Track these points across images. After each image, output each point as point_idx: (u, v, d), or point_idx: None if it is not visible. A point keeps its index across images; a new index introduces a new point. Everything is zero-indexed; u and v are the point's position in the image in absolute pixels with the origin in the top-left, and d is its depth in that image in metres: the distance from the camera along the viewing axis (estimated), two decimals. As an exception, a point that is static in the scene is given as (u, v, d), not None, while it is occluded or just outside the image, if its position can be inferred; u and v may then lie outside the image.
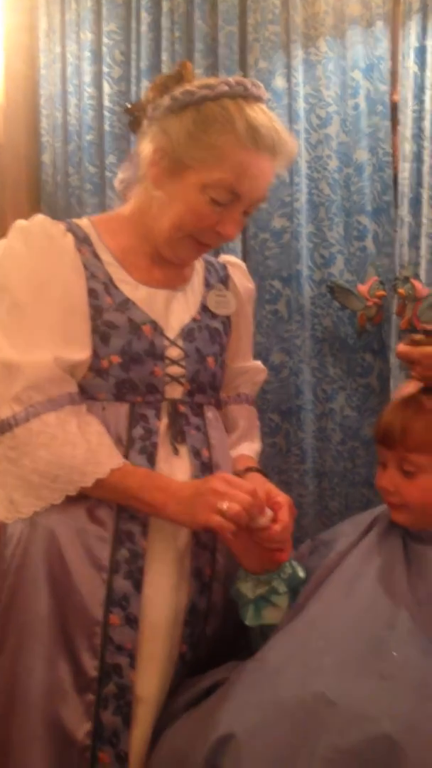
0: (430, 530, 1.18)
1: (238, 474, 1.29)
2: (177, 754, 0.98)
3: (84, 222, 1.26)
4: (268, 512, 1.14)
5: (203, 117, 1.15)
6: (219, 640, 1.26)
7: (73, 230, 1.22)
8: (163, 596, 1.18)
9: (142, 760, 1.10)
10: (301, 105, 2.04)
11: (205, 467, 1.24)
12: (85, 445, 1.13)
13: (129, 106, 1.32)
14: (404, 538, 1.18)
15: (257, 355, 1.53)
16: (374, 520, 1.25)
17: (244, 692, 0.98)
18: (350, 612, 1.06)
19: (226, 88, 1.16)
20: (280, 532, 1.14)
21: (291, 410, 2.08)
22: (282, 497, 1.19)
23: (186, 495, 1.13)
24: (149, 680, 1.15)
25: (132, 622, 1.15)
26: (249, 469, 1.31)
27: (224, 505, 1.07)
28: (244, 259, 2.07)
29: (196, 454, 1.24)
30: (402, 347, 1.20)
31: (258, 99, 1.19)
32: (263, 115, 1.17)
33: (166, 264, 1.27)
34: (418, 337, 1.19)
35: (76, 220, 1.26)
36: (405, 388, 1.26)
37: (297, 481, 2.08)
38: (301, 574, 1.23)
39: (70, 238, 1.20)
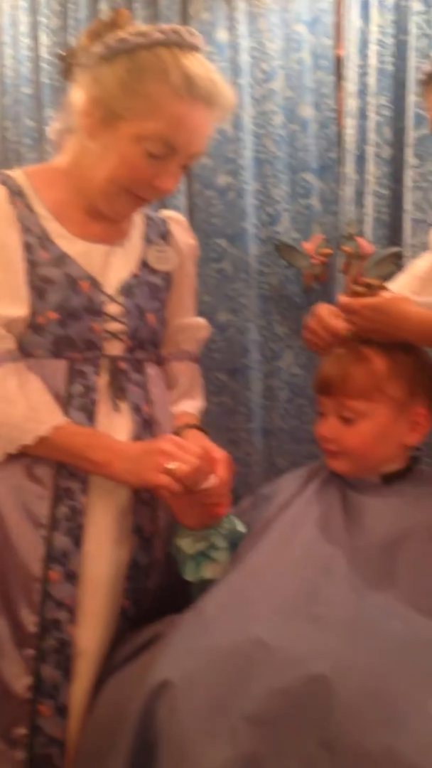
0: (366, 479, 1.20)
1: (177, 430, 1.29)
2: (115, 705, 0.99)
3: (18, 174, 1.22)
4: (213, 477, 1.15)
5: (136, 66, 1.12)
6: (161, 594, 1.27)
7: (6, 183, 1.19)
8: (104, 552, 1.18)
9: (83, 713, 1.12)
10: (244, 58, 2.00)
11: (146, 424, 1.24)
12: (24, 403, 1.12)
13: (62, 53, 1.27)
14: (342, 488, 1.20)
15: (203, 314, 1.52)
16: (314, 473, 1.26)
17: (182, 641, 1.00)
18: (288, 560, 1.08)
19: (160, 36, 1.12)
20: (218, 488, 1.15)
21: (238, 369, 2.08)
22: (219, 453, 1.20)
23: (132, 454, 1.14)
24: (90, 634, 1.16)
25: (72, 578, 1.15)
26: (188, 426, 1.30)
27: (173, 465, 1.08)
28: (189, 216, 2.04)
29: (136, 410, 1.23)
30: (343, 298, 1.22)
31: (194, 48, 1.16)
32: (199, 65, 1.14)
33: (104, 218, 1.24)
34: (360, 289, 1.21)
35: (9, 172, 1.22)
36: None
37: (244, 439, 2.09)
38: (241, 528, 1.24)
39: (2, 190, 1.17)
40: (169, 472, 1.09)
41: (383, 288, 1.22)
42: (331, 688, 0.86)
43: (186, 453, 1.11)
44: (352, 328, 1.21)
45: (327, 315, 1.27)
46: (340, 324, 1.24)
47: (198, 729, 0.89)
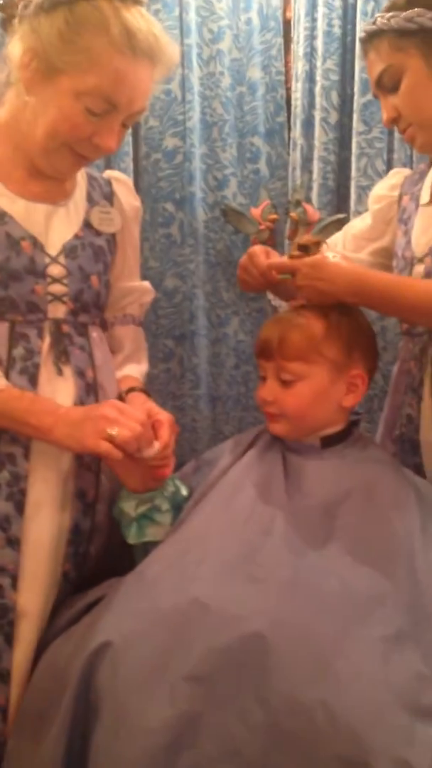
0: (306, 442, 1.21)
1: (122, 394, 1.28)
2: (56, 667, 1.00)
3: None
4: (156, 444, 1.15)
5: (76, 18, 1.08)
6: (103, 559, 1.28)
7: None
8: (45, 517, 1.18)
9: (25, 677, 1.11)
10: (192, 17, 1.95)
11: (89, 388, 1.23)
12: None
13: (1, 3, 1.22)
14: (283, 452, 1.21)
15: (150, 280, 1.50)
16: (256, 437, 1.28)
17: (123, 603, 1.00)
18: (228, 522, 1.09)
19: None
20: (161, 450, 1.15)
21: (185, 335, 2.07)
22: (163, 415, 1.20)
23: (74, 419, 1.12)
24: (32, 599, 1.15)
25: (14, 543, 1.14)
26: (132, 389, 1.30)
27: (114, 431, 1.07)
28: (136, 180, 2.01)
29: (80, 374, 1.21)
30: (281, 261, 1.26)
31: (136, 2, 1.12)
32: (141, 19, 1.11)
33: (45, 177, 1.21)
34: (296, 252, 1.22)
35: None
36: None
37: (191, 406, 2.08)
38: (184, 491, 1.25)
39: None
40: (109, 438, 1.08)
41: (319, 246, 1.24)
42: (268, 645, 0.88)
43: (128, 418, 1.10)
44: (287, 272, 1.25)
45: (260, 254, 1.28)
46: (273, 263, 1.27)
47: (137, 689, 0.90)
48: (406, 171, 1.52)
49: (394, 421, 1.39)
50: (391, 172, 1.61)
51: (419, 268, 1.30)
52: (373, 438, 1.32)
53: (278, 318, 1.24)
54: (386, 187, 1.51)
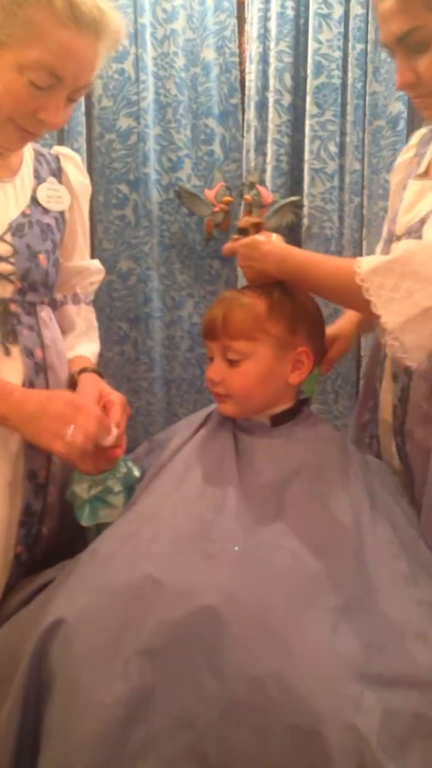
0: (256, 421, 1.22)
1: (73, 375, 1.27)
2: (8, 648, 0.98)
3: None
4: (114, 431, 1.14)
5: None
6: (56, 540, 1.26)
7: None
8: (-5, 499, 1.16)
9: (-24, 659, 1.10)
10: (146, -4, 1.94)
11: (38, 368, 1.21)
12: None
13: None
14: (234, 431, 1.22)
15: (104, 262, 1.48)
16: (207, 417, 1.28)
17: (75, 581, 1.00)
18: (180, 501, 1.09)
19: None
20: (112, 441, 1.14)
21: (139, 318, 2.06)
22: (115, 396, 1.19)
23: (30, 411, 1.10)
24: (-17, 581, 1.14)
25: (-37, 525, 1.12)
26: (84, 370, 1.28)
27: (70, 436, 1.06)
28: (89, 160, 1.99)
29: (28, 354, 1.20)
30: (226, 245, 1.28)
31: None
32: None
33: None
34: (235, 236, 1.28)
35: None
36: None
37: (146, 389, 2.08)
38: (136, 472, 1.24)
39: None
40: (67, 445, 1.07)
41: (259, 228, 1.26)
42: (221, 618, 0.88)
43: (85, 416, 1.08)
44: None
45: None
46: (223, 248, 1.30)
47: (91, 665, 0.90)
48: (423, 130, 1.38)
49: (365, 404, 1.41)
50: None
51: (395, 246, 1.27)
52: (322, 416, 1.33)
53: (222, 298, 1.25)
54: (404, 152, 1.42)
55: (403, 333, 1.04)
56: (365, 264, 1.06)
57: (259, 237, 1.24)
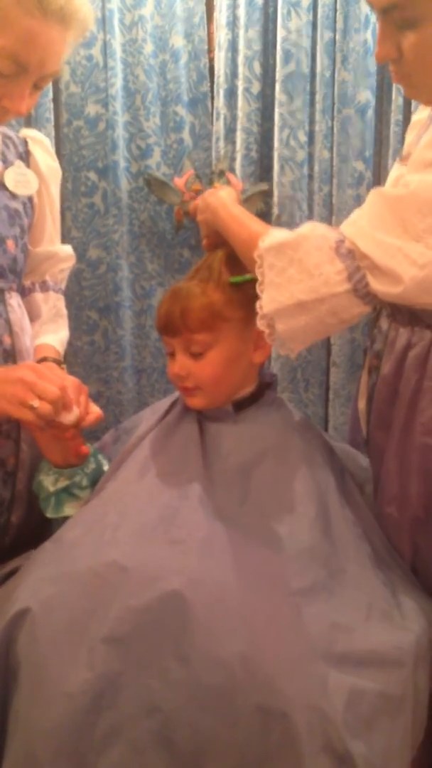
0: (222, 407, 1.22)
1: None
2: (-26, 638, 0.97)
3: None
4: (75, 410, 1.12)
5: None
6: (24, 529, 1.25)
7: None
8: (-38, 487, 1.15)
9: None
10: (114, -19, 1.92)
11: (7, 354, 1.19)
12: None
13: None
14: (198, 418, 1.21)
15: (73, 251, 1.46)
16: (172, 404, 1.27)
17: (40, 569, 0.99)
18: (145, 487, 1.09)
19: None
20: (76, 418, 1.13)
21: (109, 307, 2.05)
22: (68, 380, 1.17)
23: None
24: None
25: None
26: (44, 359, 1.27)
27: (35, 403, 1.04)
28: (57, 147, 1.96)
29: None
30: (193, 203, 1.28)
31: None
32: None
33: None
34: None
35: None
36: None
37: (116, 378, 2.07)
38: (106, 467, 1.23)
39: None
40: (31, 409, 1.05)
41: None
42: (186, 602, 0.88)
43: (47, 382, 1.07)
44: None
45: None
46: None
47: (56, 654, 0.89)
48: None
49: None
50: None
51: None
52: (285, 400, 1.32)
53: (175, 291, 1.21)
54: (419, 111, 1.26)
55: (275, 320, 1.02)
56: (268, 239, 1.03)
57: (211, 189, 1.23)
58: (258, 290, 1.03)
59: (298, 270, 0.99)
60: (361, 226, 0.98)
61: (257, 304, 1.03)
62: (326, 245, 0.98)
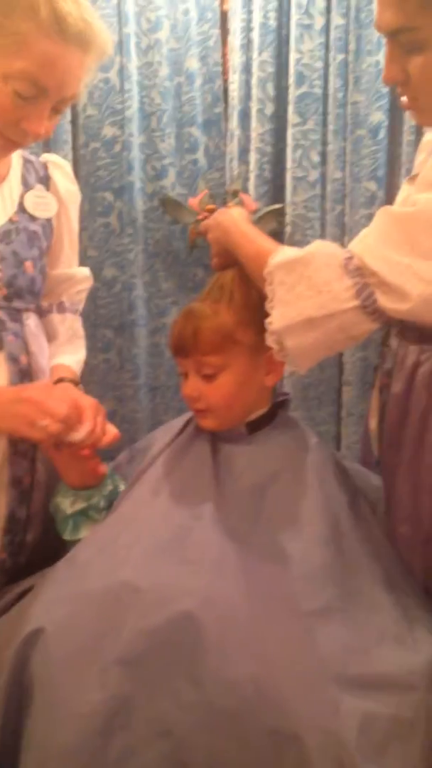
0: (234, 429, 1.22)
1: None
2: (-11, 656, 0.98)
3: None
4: (85, 428, 1.13)
5: (5, 1, 1.06)
6: (39, 548, 1.26)
7: None
8: (-22, 506, 1.16)
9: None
10: (130, 7, 1.95)
11: (23, 374, 1.21)
12: None
13: None
14: (212, 439, 1.22)
15: (89, 270, 1.48)
16: (186, 424, 1.28)
17: (54, 589, 0.99)
18: (158, 508, 1.09)
19: None
20: (88, 434, 1.14)
21: (124, 325, 2.07)
22: (86, 400, 1.18)
23: (3, 401, 1.11)
24: (-35, 589, 1.14)
25: None
26: (61, 380, 1.28)
27: (44, 422, 1.06)
28: (75, 169, 1.99)
29: (13, 360, 1.20)
30: (204, 222, 1.29)
31: None
32: (72, 4, 1.08)
33: None
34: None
35: None
36: None
37: (131, 396, 2.09)
38: (122, 489, 1.24)
39: None
40: (41, 430, 1.07)
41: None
42: (198, 624, 0.88)
43: (56, 402, 1.09)
44: None
45: None
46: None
47: (69, 674, 0.90)
48: None
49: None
50: None
51: None
52: (298, 420, 1.33)
53: (188, 312, 1.22)
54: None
55: (284, 337, 1.02)
56: (277, 257, 1.04)
57: (222, 209, 1.24)
58: (267, 307, 1.04)
59: (307, 286, 1.00)
60: (369, 243, 0.99)
61: (266, 321, 1.04)
62: (335, 262, 0.99)
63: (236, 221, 1.17)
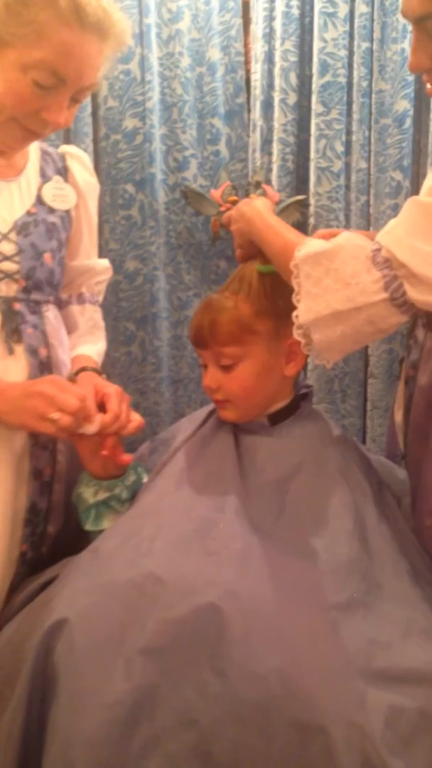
0: (257, 421, 1.21)
1: (71, 375, 1.27)
2: (12, 647, 0.98)
3: None
4: (97, 419, 1.13)
5: None
6: (61, 539, 1.27)
7: None
8: (1, 498, 1.16)
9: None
10: (151, -3, 1.94)
11: (43, 366, 1.21)
12: None
13: None
14: (234, 430, 1.21)
15: (111, 262, 1.48)
16: (208, 415, 1.27)
17: (78, 579, 0.99)
18: (181, 499, 1.09)
19: None
20: (109, 421, 1.14)
21: (146, 318, 2.06)
22: (110, 388, 1.18)
23: (14, 395, 1.11)
24: (-12, 580, 1.14)
25: (-32, 524, 1.12)
26: (83, 369, 1.28)
27: (55, 416, 1.06)
28: (96, 161, 1.99)
29: (32, 353, 1.20)
30: (226, 214, 1.30)
31: None
32: None
33: None
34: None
35: None
36: None
37: (153, 389, 2.08)
38: (146, 480, 1.24)
39: None
40: (52, 422, 1.07)
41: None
42: (222, 616, 0.88)
43: (67, 395, 1.08)
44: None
45: None
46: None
47: (94, 664, 0.90)
48: None
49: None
50: None
51: None
52: (321, 412, 1.31)
53: (207, 303, 1.22)
54: None
55: (311, 330, 1.01)
56: (304, 249, 1.03)
57: (246, 199, 1.23)
58: (294, 300, 1.03)
59: (334, 279, 0.98)
60: (398, 234, 0.97)
61: (293, 314, 1.03)
62: (362, 254, 0.98)
63: (260, 212, 1.16)
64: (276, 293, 1.18)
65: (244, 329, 1.16)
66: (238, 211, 1.22)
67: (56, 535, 1.26)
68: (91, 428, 1.12)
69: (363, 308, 0.97)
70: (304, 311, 1.01)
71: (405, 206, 0.99)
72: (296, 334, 1.03)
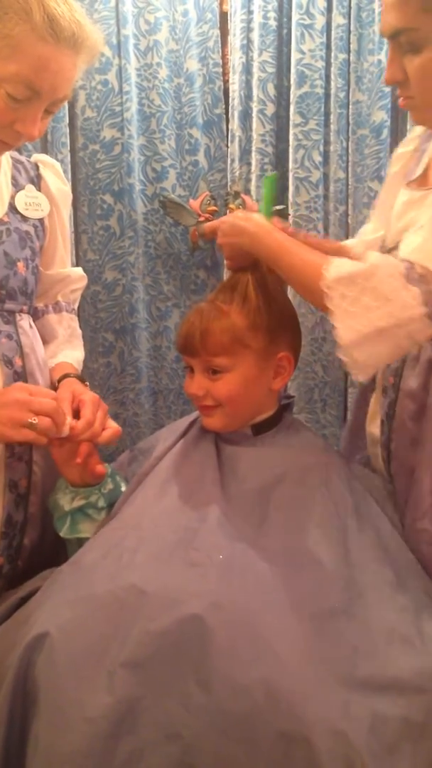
0: (240, 431, 1.21)
1: (53, 383, 1.26)
2: (-8, 661, 0.97)
3: None
4: (69, 421, 1.13)
5: None
6: (37, 552, 1.25)
7: None
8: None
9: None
10: (129, 8, 1.94)
11: (18, 376, 1.20)
12: None
13: None
14: (216, 440, 1.21)
15: (89, 273, 1.48)
16: (190, 425, 1.27)
17: (58, 593, 0.98)
18: (163, 510, 1.08)
19: None
20: (81, 428, 1.13)
21: (125, 329, 2.06)
22: (88, 395, 1.18)
23: None
24: (-35, 594, 1.12)
25: None
26: (66, 376, 1.27)
27: (34, 420, 1.05)
28: (74, 171, 1.98)
29: (7, 363, 1.19)
30: (208, 224, 1.27)
31: None
32: (64, 6, 1.07)
33: None
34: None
35: None
36: None
37: (132, 400, 2.07)
38: (124, 488, 1.23)
39: None
40: (30, 427, 1.05)
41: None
42: (205, 627, 0.87)
43: (40, 398, 1.08)
44: None
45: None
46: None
47: (75, 678, 0.88)
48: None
49: (358, 411, 1.39)
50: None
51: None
52: (304, 423, 1.32)
53: (198, 311, 1.21)
54: (404, 144, 1.35)
55: (355, 349, 1.02)
56: (333, 270, 1.04)
57: (239, 213, 1.23)
58: (331, 320, 1.04)
59: (373, 297, 1.01)
60: (429, 250, 1.01)
61: (334, 334, 1.03)
62: (397, 272, 1.01)
63: (268, 229, 1.16)
64: (271, 308, 1.18)
65: (237, 342, 1.16)
66: (234, 226, 1.20)
67: (32, 548, 1.24)
68: (63, 431, 1.11)
69: (403, 324, 1.00)
70: (345, 330, 1.02)
71: (429, 222, 1.03)
72: (340, 354, 1.04)
